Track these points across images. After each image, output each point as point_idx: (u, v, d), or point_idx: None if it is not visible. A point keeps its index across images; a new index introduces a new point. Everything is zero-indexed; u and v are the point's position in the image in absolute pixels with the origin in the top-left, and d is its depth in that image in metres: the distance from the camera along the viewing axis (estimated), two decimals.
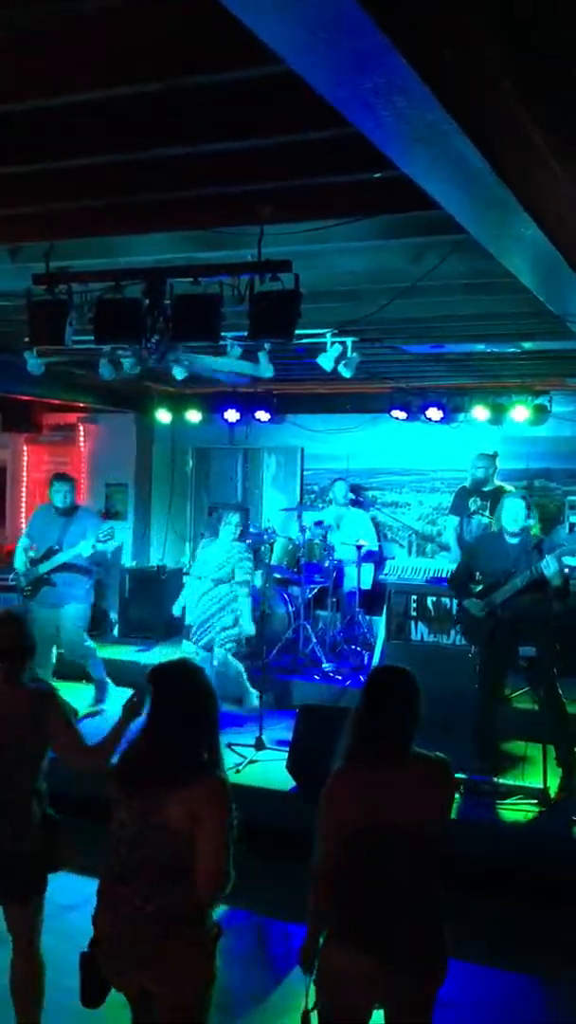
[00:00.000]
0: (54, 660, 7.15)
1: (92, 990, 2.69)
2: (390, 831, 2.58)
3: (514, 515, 5.73)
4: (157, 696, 2.74)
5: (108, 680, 7.14)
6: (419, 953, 2.61)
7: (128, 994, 2.75)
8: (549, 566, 5.49)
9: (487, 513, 7.54)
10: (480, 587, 5.87)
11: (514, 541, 5.74)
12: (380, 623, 7.53)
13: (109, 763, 3.02)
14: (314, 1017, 2.72)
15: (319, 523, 8.28)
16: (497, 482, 7.76)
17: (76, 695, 6.39)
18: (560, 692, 5.72)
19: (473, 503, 7.70)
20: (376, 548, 8.74)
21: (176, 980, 2.61)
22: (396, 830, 2.58)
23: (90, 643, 7.18)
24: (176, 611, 7.50)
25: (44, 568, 6.82)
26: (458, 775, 5.43)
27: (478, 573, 5.93)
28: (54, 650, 7.09)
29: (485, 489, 7.71)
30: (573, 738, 5.70)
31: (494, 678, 5.91)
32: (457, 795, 5.37)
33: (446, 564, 7.46)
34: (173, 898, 2.58)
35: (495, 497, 7.48)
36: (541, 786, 5.48)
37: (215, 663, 6.79)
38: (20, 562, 6.97)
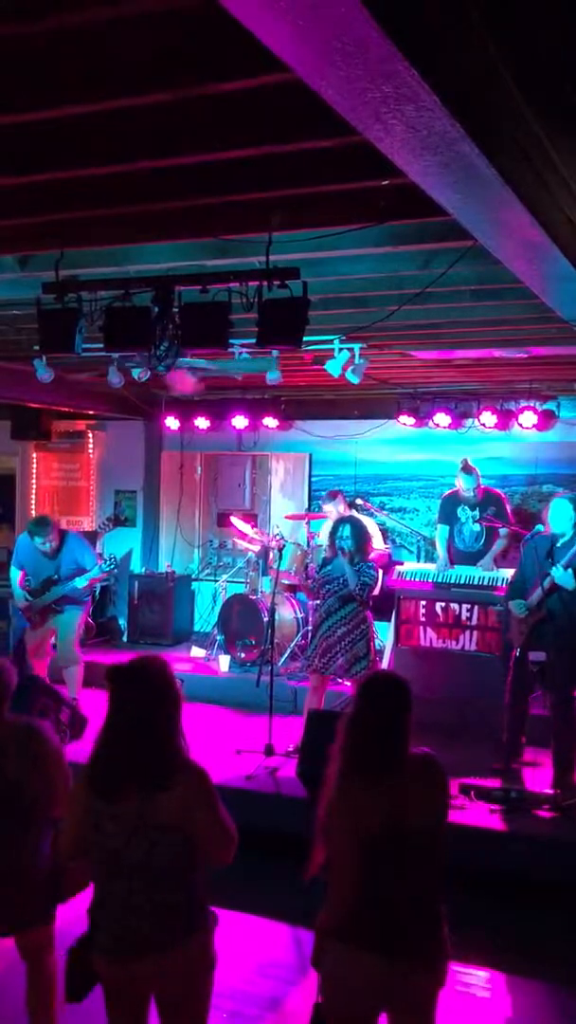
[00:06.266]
0: None
1: (79, 984, 2.71)
2: (391, 834, 2.58)
3: (560, 517, 5.62)
4: (123, 697, 2.65)
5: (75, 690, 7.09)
6: (424, 954, 2.62)
7: (125, 988, 2.70)
8: (556, 572, 5.54)
9: (477, 523, 7.43)
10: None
11: (548, 542, 5.66)
12: (388, 629, 7.52)
13: None
14: None
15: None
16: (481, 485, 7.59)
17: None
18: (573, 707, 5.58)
19: (463, 513, 7.57)
20: (384, 553, 8.71)
21: (186, 969, 2.64)
22: (397, 832, 2.58)
23: (78, 652, 7.20)
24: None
25: (48, 599, 6.99)
26: (468, 781, 5.49)
27: (526, 579, 5.80)
28: None
29: (472, 499, 7.51)
30: (571, 752, 5.59)
31: (521, 682, 5.69)
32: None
33: (456, 570, 7.39)
34: (174, 895, 2.60)
35: (481, 505, 7.40)
36: (552, 792, 5.49)
37: None
38: (19, 596, 7.08)
